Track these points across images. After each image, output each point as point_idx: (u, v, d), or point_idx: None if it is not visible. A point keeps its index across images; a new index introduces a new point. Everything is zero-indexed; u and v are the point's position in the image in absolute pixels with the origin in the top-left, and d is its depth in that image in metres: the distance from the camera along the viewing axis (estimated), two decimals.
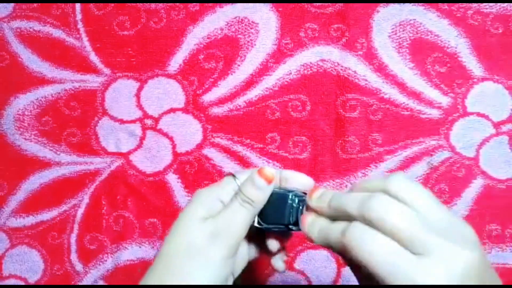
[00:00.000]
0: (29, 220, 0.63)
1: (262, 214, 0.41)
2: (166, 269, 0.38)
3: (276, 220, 0.40)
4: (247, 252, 0.44)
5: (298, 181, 0.41)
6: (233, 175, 0.42)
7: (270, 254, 0.44)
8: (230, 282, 0.42)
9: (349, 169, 0.60)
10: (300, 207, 0.39)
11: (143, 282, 0.39)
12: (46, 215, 0.63)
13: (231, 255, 0.39)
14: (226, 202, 0.41)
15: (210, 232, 0.38)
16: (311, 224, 0.37)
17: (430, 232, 0.29)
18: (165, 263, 0.38)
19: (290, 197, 0.40)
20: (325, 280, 0.60)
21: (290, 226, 0.40)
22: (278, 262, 0.44)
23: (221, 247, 0.38)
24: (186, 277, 0.37)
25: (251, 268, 0.60)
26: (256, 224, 0.41)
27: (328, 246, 0.34)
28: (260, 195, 0.40)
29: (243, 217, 0.39)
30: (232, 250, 0.39)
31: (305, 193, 0.41)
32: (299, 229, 0.40)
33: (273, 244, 0.43)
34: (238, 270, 0.43)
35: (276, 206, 0.40)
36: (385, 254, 0.30)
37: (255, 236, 0.43)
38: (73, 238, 0.62)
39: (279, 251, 0.44)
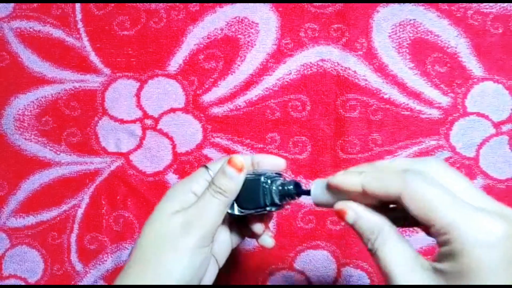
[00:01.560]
0: (29, 220, 0.63)
1: (240, 202, 0.42)
2: (141, 263, 0.39)
3: (254, 205, 0.41)
4: (229, 240, 0.44)
5: (270, 162, 0.42)
6: (206, 166, 0.43)
7: (256, 236, 0.45)
8: (214, 272, 0.43)
9: None
10: (274, 187, 0.40)
11: (120, 277, 0.39)
12: (46, 215, 0.63)
13: (205, 245, 0.39)
14: (199, 193, 0.41)
15: (182, 223, 0.39)
16: (347, 177, 0.35)
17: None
18: (140, 257, 0.39)
19: (262, 179, 0.40)
20: (325, 280, 0.60)
21: (268, 208, 0.41)
22: (265, 240, 0.45)
23: (193, 237, 0.38)
24: (159, 269, 0.38)
25: (251, 267, 0.60)
26: (236, 213, 0.42)
27: (379, 196, 0.33)
28: (232, 185, 0.40)
29: (215, 207, 0.40)
30: (205, 240, 0.39)
31: (278, 174, 0.42)
32: (278, 208, 0.41)
33: (258, 227, 0.43)
34: (222, 259, 0.44)
35: (251, 191, 0.41)
36: (448, 202, 0.30)
37: (236, 222, 0.44)
38: (73, 238, 0.62)
39: (266, 229, 0.44)
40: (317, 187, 0.38)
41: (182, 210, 0.40)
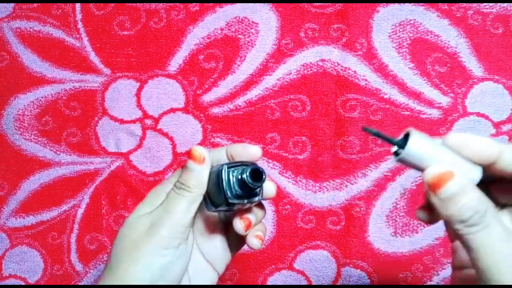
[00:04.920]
0: (29, 220, 0.63)
1: (211, 197, 0.38)
2: (108, 271, 0.38)
3: (221, 200, 0.37)
4: (226, 246, 0.42)
5: (243, 153, 0.39)
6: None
7: (244, 236, 0.40)
8: (210, 279, 0.41)
9: (349, 169, 0.60)
10: (233, 178, 0.36)
11: (101, 282, 0.38)
12: (46, 215, 0.63)
13: (170, 245, 0.37)
14: None
15: (148, 224, 0.38)
16: (483, 139, 0.30)
17: None
18: (109, 265, 0.38)
19: (222, 170, 0.36)
20: (325, 280, 0.60)
21: (231, 201, 0.36)
22: (250, 240, 0.40)
23: (154, 238, 0.37)
24: (122, 274, 0.37)
25: (251, 267, 0.60)
26: (212, 210, 0.38)
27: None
28: (194, 178, 0.37)
29: (179, 204, 0.37)
30: (169, 240, 0.37)
31: (246, 164, 0.37)
32: (250, 202, 0.37)
33: (237, 225, 0.39)
34: (221, 266, 0.42)
35: (216, 184, 0.37)
36: None
37: (230, 227, 0.40)
38: (73, 238, 0.62)
39: (248, 228, 0.39)
40: (415, 141, 0.30)
41: (150, 212, 0.38)
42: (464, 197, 0.29)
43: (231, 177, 0.36)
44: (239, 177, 0.36)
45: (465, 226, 0.29)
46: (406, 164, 0.31)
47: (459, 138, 0.30)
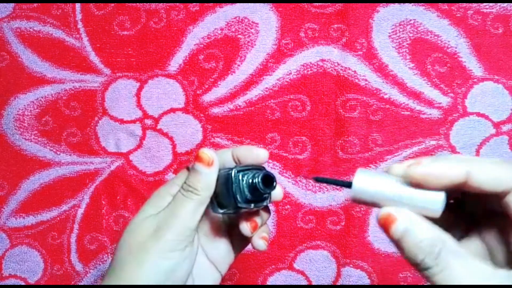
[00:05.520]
0: (29, 220, 0.63)
1: (218, 200, 0.38)
2: (115, 270, 0.38)
3: (229, 203, 0.37)
4: (229, 246, 0.42)
5: (250, 155, 0.39)
6: (188, 168, 0.40)
7: (250, 238, 0.40)
8: (213, 279, 0.41)
9: (349, 169, 0.60)
10: (244, 182, 0.36)
11: (104, 283, 0.38)
12: (46, 215, 0.63)
13: (176, 248, 0.37)
14: None
15: (154, 226, 0.37)
16: (445, 164, 0.28)
17: None
18: (112, 267, 0.38)
19: (232, 174, 0.36)
20: (325, 280, 0.60)
21: (240, 205, 0.36)
22: (256, 241, 0.40)
23: (160, 241, 0.37)
24: (127, 276, 0.37)
25: (251, 267, 0.60)
26: (219, 212, 0.38)
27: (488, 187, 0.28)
28: (202, 181, 0.37)
29: (186, 207, 0.37)
30: (176, 243, 0.37)
31: (257, 167, 0.37)
32: (257, 205, 0.37)
33: (244, 227, 0.39)
34: (224, 266, 0.42)
35: (225, 188, 0.37)
36: None
37: (234, 228, 0.40)
38: (73, 238, 0.62)
39: (255, 230, 0.40)
40: (362, 179, 0.30)
41: (156, 214, 0.38)
42: (414, 238, 0.28)
43: (241, 182, 0.36)
44: (250, 181, 0.36)
45: (422, 270, 0.28)
46: (364, 203, 0.31)
47: (418, 173, 0.28)
